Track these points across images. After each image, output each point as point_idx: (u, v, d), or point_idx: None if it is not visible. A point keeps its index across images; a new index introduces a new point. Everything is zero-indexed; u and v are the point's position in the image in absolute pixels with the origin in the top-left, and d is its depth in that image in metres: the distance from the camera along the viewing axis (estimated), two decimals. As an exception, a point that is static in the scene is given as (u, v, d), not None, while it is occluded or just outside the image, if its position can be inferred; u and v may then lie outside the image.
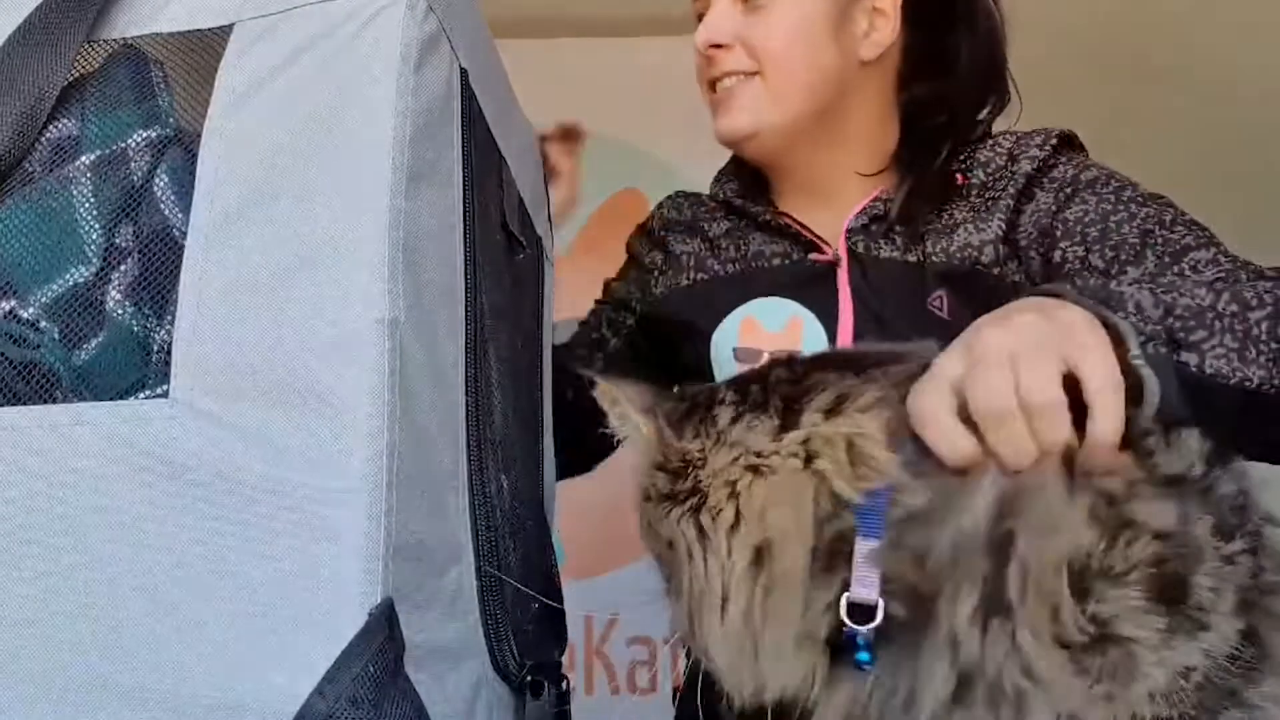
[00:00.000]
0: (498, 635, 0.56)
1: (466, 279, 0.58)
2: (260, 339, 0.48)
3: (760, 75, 0.96)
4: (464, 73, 0.61)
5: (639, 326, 1.10)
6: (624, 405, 0.68)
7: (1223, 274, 0.76)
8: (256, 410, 0.47)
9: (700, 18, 1.01)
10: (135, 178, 0.57)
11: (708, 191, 1.11)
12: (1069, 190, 0.90)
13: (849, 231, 0.96)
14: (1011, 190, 0.92)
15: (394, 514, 0.46)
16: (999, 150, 0.96)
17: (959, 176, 0.95)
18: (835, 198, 0.99)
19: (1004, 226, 0.90)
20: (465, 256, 0.58)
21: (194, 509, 0.46)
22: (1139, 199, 0.87)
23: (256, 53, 0.53)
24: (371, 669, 0.41)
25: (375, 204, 0.50)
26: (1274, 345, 0.63)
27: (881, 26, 0.97)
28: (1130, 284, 0.74)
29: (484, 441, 0.58)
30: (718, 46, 0.97)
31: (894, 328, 0.89)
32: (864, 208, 0.97)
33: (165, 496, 0.47)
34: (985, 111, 1.02)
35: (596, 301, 1.19)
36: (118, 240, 0.55)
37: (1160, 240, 0.82)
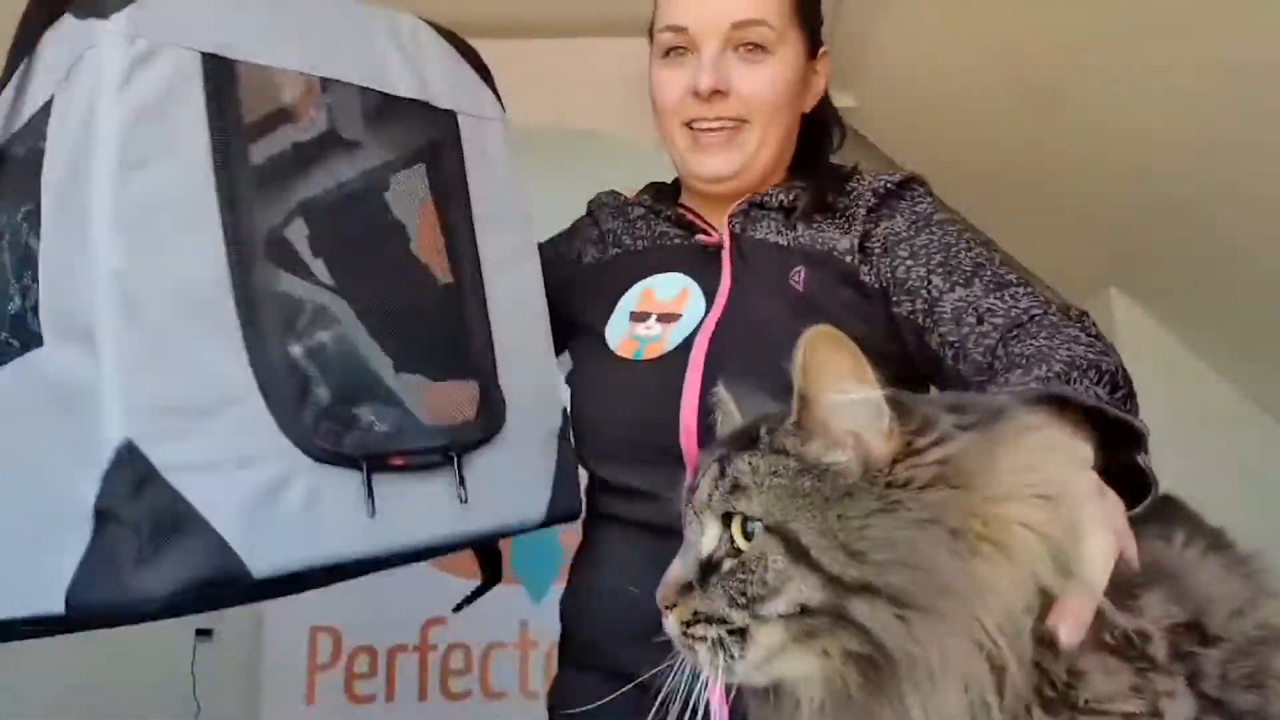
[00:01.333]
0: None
1: (224, 208, 0.79)
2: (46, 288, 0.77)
3: (748, 124, 1.05)
4: (209, 56, 0.80)
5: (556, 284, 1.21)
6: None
7: (1038, 306, 0.90)
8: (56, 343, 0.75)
9: (671, 51, 1.07)
10: None
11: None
12: (922, 223, 1.02)
13: (731, 216, 1.08)
14: (863, 207, 1.05)
15: (139, 390, 0.72)
16: (862, 182, 1.09)
17: (830, 196, 1.08)
18: (728, 204, 1.11)
19: (859, 236, 1.03)
20: (222, 195, 0.79)
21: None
22: (976, 241, 1.01)
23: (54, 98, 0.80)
24: (124, 481, 0.70)
25: (100, 188, 0.73)
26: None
27: (816, 85, 1.12)
28: (960, 301, 0.92)
29: (268, 317, 0.80)
30: (719, 92, 1.03)
31: (759, 296, 1.02)
32: (746, 199, 1.09)
33: None
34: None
35: None
36: None
37: (989, 273, 0.95)
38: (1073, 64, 2.15)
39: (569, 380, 1.11)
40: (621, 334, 1.06)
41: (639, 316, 1.06)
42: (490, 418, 0.94)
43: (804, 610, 0.57)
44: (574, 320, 1.13)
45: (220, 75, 0.81)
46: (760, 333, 0.96)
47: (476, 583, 1.11)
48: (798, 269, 1.02)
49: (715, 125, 1.05)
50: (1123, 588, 0.59)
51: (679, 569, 0.65)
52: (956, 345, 0.91)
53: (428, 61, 1.00)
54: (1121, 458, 0.68)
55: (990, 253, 0.99)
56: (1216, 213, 2.21)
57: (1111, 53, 2.06)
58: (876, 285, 1.01)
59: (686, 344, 1.00)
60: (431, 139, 0.99)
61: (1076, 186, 2.49)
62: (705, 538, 0.64)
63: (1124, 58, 2.05)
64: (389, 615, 2.54)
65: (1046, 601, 0.57)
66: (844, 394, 0.60)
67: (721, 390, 0.75)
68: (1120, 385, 0.76)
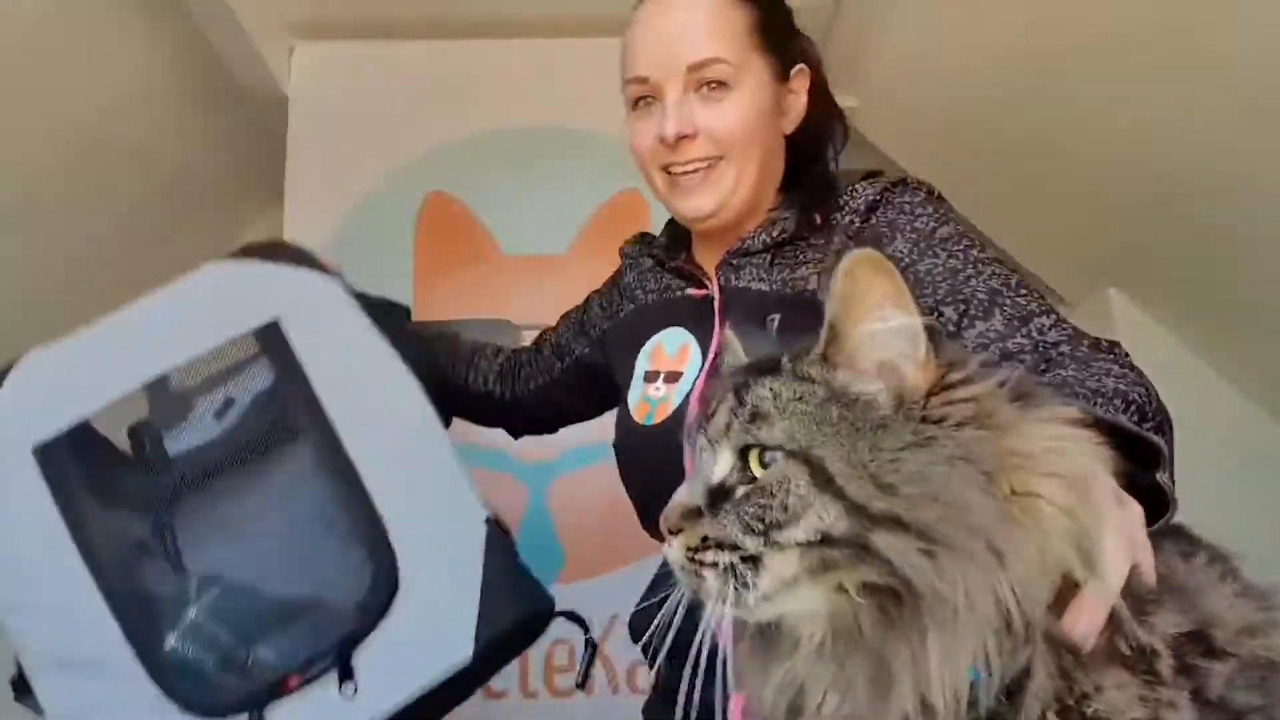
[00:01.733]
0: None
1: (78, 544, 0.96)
2: None
3: (723, 160, 1.05)
4: (42, 447, 0.98)
5: (593, 347, 1.25)
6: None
7: (1066, 339, 0.87)
8: None
9: (639, 101, 1.08)
10: None
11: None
12: (924, 244, 0.98)
13: (718, 268, 1.09)
14: (849, 224, 1.04)
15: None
16: (853, 194, 1.07)
17: (818, 217, 1.06)
18: (728, 243, 1.10)
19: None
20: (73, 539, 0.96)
21: None
22: (984, 260, 0.96)
23: None
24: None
25: None
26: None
27: (794, 104, 1.10)
28: (981, 337, 0.88)
29: (139, 600, 0.95)
30: (685, 136, 1.03)
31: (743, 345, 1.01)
32: (733, 247, 1.08)
33: None
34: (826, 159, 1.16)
35: (570, 313, 1.36)
36: None
37: (1008, 302, 0.91)
38: (1073, 64, 2.15)
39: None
40: (637, 397, 1.08)
41: (651, 376, 1.08)
42: (379, 588, 0.96)
43: (824, 539, 0.56)
44: (614, 382, 1.16)
45: (51, 456, 0.97)
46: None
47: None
48: (773, 316, 1.01)
49: (689, 168, 1.05)
50: (1138, 600, 0.58)
51: (685, 494, 0.63)
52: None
53: (231, 298, 1.05)
54: (1143, 480, 0.67)
55: (1004, 272, 0.95)
56: (1217, 213, 2.21)
57: (1112, 53, 2.06)
58: None
59: (684, 406, 1.01)
60: (265, 360, 1.04)
61: (1076, 186, 2.49)
62: (718, 466, 0.62)
63: (1124, 57, 2.05)
64: (389, 615, 2.53)
65: (1062, 588, 0.56)
66: (882, 321, 0.59)
67: (729, 333, 0.74)
68: (1150, 415, 0.75)
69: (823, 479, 0.56)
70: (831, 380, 0.60)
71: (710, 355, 1.03)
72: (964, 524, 0.54)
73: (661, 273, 1.17)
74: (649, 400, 1.06)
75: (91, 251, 2.71)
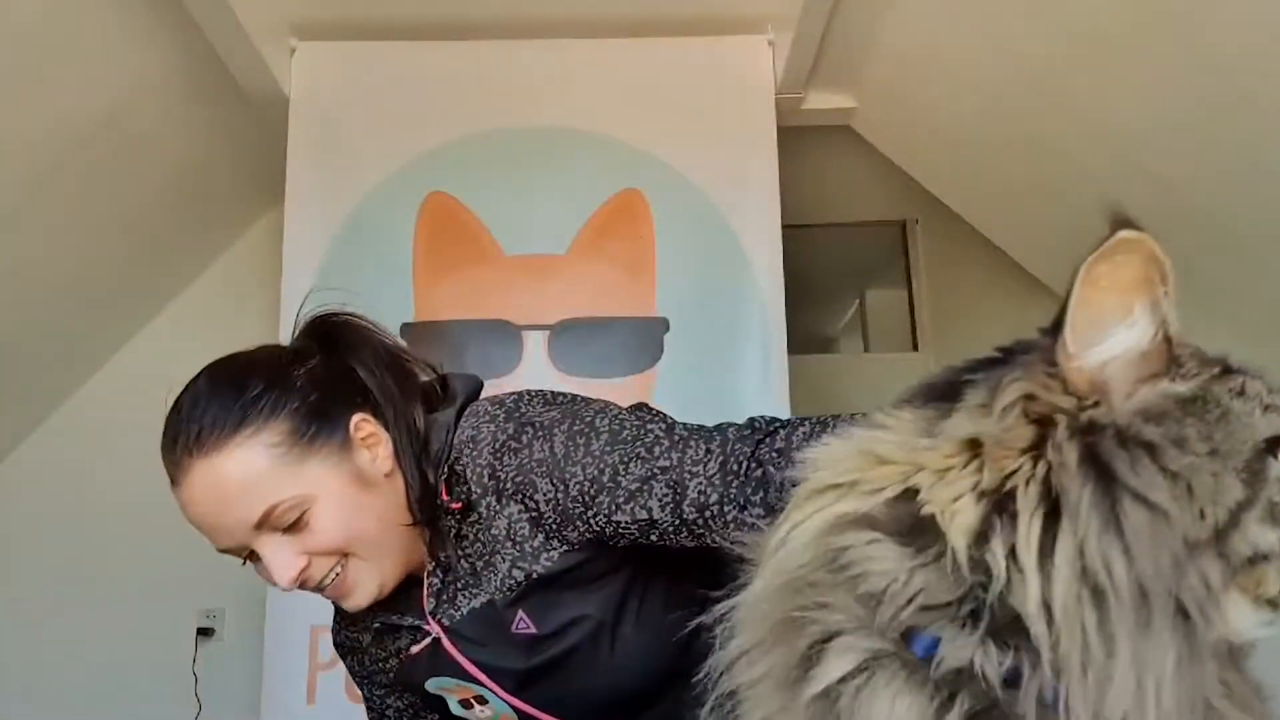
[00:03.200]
0: None
1: None
2: None
3: (350, 556, 0.97)
4: None
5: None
6: None
7: (714, 452, 0.91)
8: None
9: (245, 557, 0.97)
10: None
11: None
12: (558, 475, 0.95)
13: (431, 614, 1.03)
14: (490, 506, 0.98)
15: None
16: (464, 464, 0.99)
17: (455, 505, 0.99)
18: (413, 577, 1.04)
19: (526, 537, 0.97)
20: None
21: None
22: (604, 449, 0.94)
23: None
24: None
25: None
26: None
27: (375, 445, 0.99)
28: (668, 521, 0.91)
29: None
30: (301, 570, 0.95)
31: (506, 663, 1.01)
32: (426, 589, 1.03)
33: None
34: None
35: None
36: None
37: (658, 471, 0.92)
38: (1073, 63, 2.15)
39: None
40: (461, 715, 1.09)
41: (464, 704, 1.07)
42: None
43: None
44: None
45: None
46: (546, 673, 1.01)
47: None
48: (519, 618, 0.99)
49: (326, 583, 0.97)
50: None
51: None
52: (711, 527, 0.89)
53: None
54: None
55: (626, 443, 0.93)
56: (1217, 213, 2.22)
57: (1112, 52, 2.06)
58: (587, 540, 0.96)
59: (522, 716, 1.05)
60: None
61: (1076, 187, 2.49)
62: None
63: (1124, 57, 2.05)
64: (389, 615, 2.53)
65: None
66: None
67: None
68: None
69: None
70: None
71: (495, 687, 1.04)
72: None
73: (382, 636, 1.09)
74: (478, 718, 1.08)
75: (92, 251, 2.71)
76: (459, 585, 1.02)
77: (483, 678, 1.03)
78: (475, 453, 0.98)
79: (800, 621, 0.59)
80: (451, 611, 1.03)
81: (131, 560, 2.94)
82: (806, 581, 0.60)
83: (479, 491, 0.98)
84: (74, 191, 2.46)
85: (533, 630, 1.00)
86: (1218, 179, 2.14)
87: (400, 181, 2.48)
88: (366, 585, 0.98)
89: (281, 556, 0.93)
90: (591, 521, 0.94)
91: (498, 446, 0.97)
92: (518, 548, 0.98)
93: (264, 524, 0.92)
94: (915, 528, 0.58)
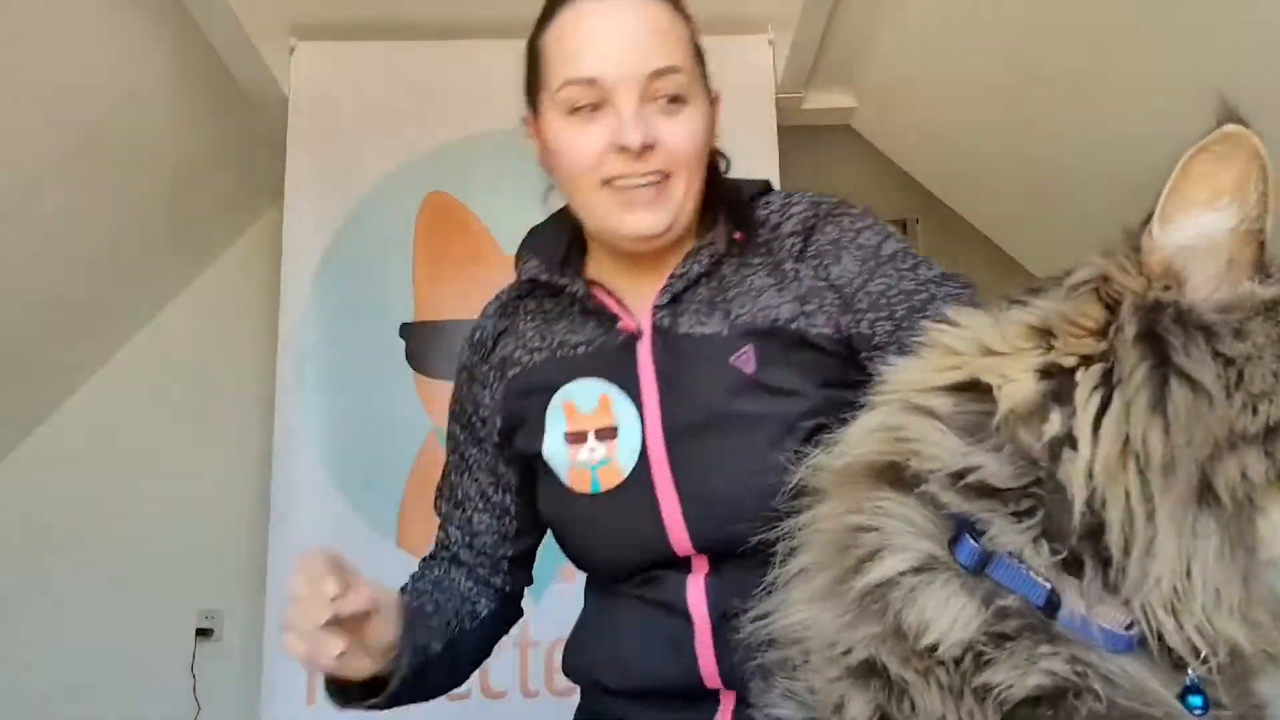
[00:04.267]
0: None
1: None
2: None
3: (672, 177, 0.97)
4: None
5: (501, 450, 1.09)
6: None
7: None
8: None
9: (578, 109, 0.96)
10: None
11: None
12: (874, 261, 0.96)
13: (656, 308, 1.00)
14: (790, 254, 0.99)
15: None
16: (770, 209, 1.03)
17: (737, 234, 1.01)
18: (649, 268, 1.02)
19: (803, 292, 0.97)
20: None
21: None
22: (936, 279, 0.94)
23: None
24: None
25: None
26: None
27: (716, 128, 1.04)
28: None
29: None
30: (648, 147, 0.94)
31: (699, 391, 0.95)
32: (667, 284, 1.00)
33: None
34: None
35: (442, 484, 1.15)
36: None
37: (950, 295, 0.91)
38: (1072, 65, 2.15)
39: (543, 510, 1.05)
40: (566, 464, 0.98)
41: (575, 438, 0.98)
42: None
43: None
44: (515, 457, 1.06)
45: None
46: (713, 429, 0.93)
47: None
48: (743, 351, 0.95)
49: (643, 181, 0.95)
50: None
51: None
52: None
53: None
54: None
55: (957, 289, 0.94)
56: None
57: (1112, 53, 2.06)
58: (835, 336, 0.95)
59: (643, 465, 0.95)
60: None
61: (1076, 187, 2.49)
62: None
63: (1124, 58, 2.05)
64: (389, 615, 2.52)
65: None
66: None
67: None
68: None
69: None
70: None
71: (654, 407, 0.96)
72: None
73: (553, 315, 1.06)
74: (586, 467, 0.97)
75: (91, 251, 2.71)
76: (691, 307, 0.99)
77: (654, 398, 0.97)
78: (788, 203, 1.02)
79: (857, 534, 0.60)
80: (675, 325, 0.99)
81: (130, 561, 2.93)
82: (868, 470, 0.61)
83: (771, 236, 1.00)
84: (73, 191, 2.46)
85: (753, 368, 0.94)
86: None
87: (400, 181, 2.48)
88: (671, 206, 0.97)
89: (648, 122, 0.95)
90: (875, 326, 0.93)
91: (822, 211, 1.00)
92: (774, 305, 0.97)
93: (658, 78, 0.95)
94: (978, 425, 0.58)
